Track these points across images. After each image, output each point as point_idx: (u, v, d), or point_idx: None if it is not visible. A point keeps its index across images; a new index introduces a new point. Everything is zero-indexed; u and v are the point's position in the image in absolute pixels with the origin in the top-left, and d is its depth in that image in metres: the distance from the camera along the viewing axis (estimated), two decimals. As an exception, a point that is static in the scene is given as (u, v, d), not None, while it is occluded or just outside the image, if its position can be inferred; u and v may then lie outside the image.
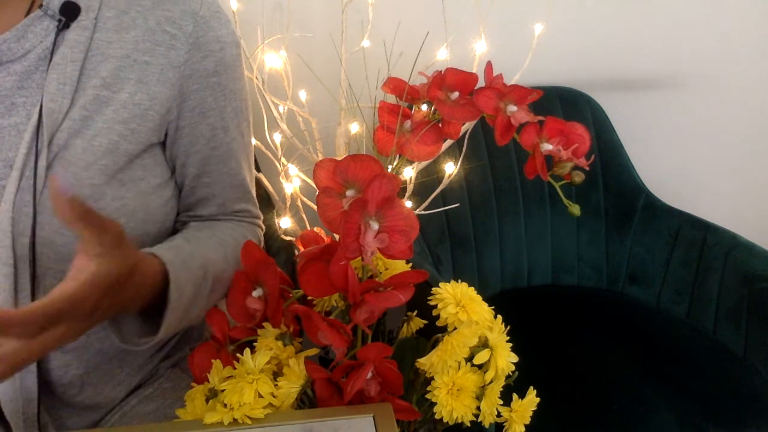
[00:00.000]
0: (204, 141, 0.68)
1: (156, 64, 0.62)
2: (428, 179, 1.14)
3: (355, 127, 1.03)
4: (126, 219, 0.62)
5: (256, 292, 0.58)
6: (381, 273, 0.62)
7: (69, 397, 0.67)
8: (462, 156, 1.10)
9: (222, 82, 0.67)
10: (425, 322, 0.65)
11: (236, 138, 0.71)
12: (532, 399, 0.60)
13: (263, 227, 0.79)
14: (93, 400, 0.69)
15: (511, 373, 0.59)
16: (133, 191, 0.62)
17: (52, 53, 0.58)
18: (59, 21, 0.58)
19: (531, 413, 0.60)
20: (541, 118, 0.59)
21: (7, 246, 0.56)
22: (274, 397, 0.53)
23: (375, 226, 0.50)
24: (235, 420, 0.50)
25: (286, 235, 1.01)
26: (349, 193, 0.53)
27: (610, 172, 1.43)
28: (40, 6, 0.59)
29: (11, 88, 0.58)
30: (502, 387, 0.59)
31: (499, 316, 0.61)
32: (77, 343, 0.65)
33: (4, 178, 0.57)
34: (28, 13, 0.59)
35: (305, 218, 1.09)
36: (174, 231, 0.71)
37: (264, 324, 0.58)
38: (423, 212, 1.07)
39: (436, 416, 0.56)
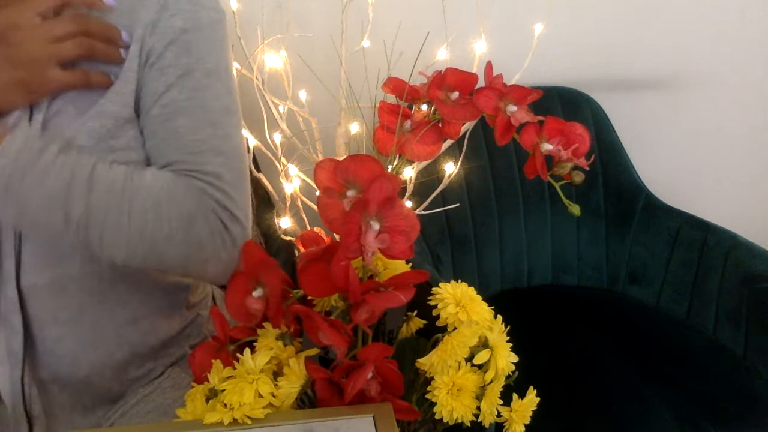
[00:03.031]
0: (155, 98, 0.64)
1: (131, 27, 0.63)
2: (428, 179, 1.14)
3: (355, 127, 1.03)
4: None
5: (257, 293, 0.58)
6: (381, 273, 0.62)
7: (62, 369, 0.68)
8: (462, 156, 1.10)
9: (190, 40, 0.64)
10: (425, 322, 0.65)
11: (195, 97, 0.65)
12: (532, 399, 0.60)
13: (227, 200, 0.66)
14: (86, 375, 0.69)
15: (511, 373, 0.59)
16: (122, 158, 0.63)
17: None
18: None
19: (531, 413, 0.61)
20: (541, 118, 0.59)
21: None
22: (274, 397, 0.53)
23: (376, 226, 0.50)
24: (235, 420, 0.50)
25: (286, 235, 1.01)
26: (350, 193, 0.53)
27: (610, 172, 1.43)
28: None
29: None
30: (502, 387, 0.59)
31: (499, 316, 0.61)
32: (70, 315, 0.66)
33: None
34: None
35: (305, 218, 1.09)
36: None
37: (264, 324, 0.58)
38: (423, 212, 1.07)
39: (436, 416, 0.56)
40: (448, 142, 1.00)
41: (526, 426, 0.60)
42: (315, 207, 0.64)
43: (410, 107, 0.64)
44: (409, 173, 1.00)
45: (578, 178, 0.59)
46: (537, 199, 1.41)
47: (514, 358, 0.59)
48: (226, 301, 0.60)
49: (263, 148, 1.07)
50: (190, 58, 0.65)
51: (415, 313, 0.66)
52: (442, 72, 0.61)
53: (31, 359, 0.66)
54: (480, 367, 0.57)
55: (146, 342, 0.73)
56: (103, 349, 0.69)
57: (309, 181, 1.02)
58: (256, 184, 1.05)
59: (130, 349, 0.72)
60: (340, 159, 0.54)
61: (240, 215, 0.66)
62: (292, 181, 1.02)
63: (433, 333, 0.59)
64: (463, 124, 0.69)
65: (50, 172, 0.56)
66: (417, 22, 1.15)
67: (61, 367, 0.68)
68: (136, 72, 0.64)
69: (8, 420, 0.67)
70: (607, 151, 1.43)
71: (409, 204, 1.05)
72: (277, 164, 1.05)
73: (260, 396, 0.52)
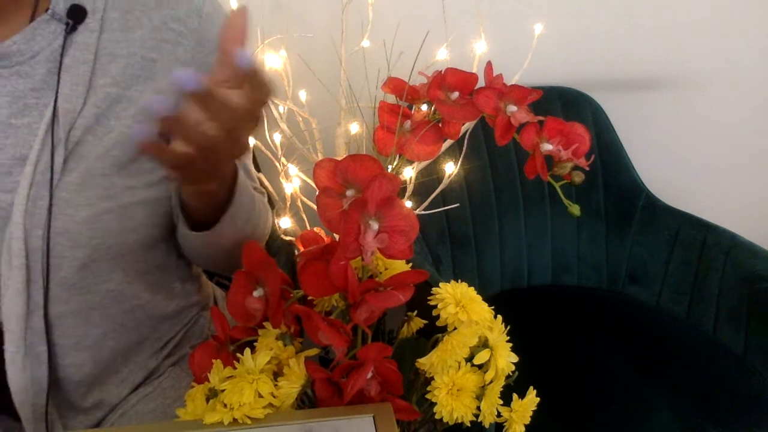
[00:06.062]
0: None
1: (163, 61, 0.63)
2: (428, 179, 1.14)
3: (355, 127, 1.04)
4: (136, 208, 0.63)
5: (257, 293, 0.58)
6: (381, 273, 0.62)
7: (78, 395, 0.68)
8: (462, 156, 1.10)
9: None
10: (425, 322, 0.65)
11: None
12: (532, 399, 0.60)
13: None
14: (98, 398, 0.70)
15: (511, 373, 0.59)
16: (142, 182, 0.64)
17: (62, 55, 0.59)
18: (67, 24, 0.60)
19: (531, 413, 0.60)
20: (541, 118, 0.59)
21: (19, 238, 0.58)
22: (274, 397, 0.53)
23: (375, 226, 0.50)
24: (235, 420, 0.50)
25: (286, 235, 1.01)
26: (349, 193, 0.53)
27: (610, 172, 1.43)
28: (47, 10, 0.60)
29: (23, 90, 0.59)
30: (502, 387, 0.59)
31: (499, 316, 0.61)
32: (92, 342, 0.66)
33: (18, 174, 0.58)
34: (32, 18, 0.60)
35: (305, 218, 1.10)
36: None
37: (264, 324, 0.58)
38: (423, 212, 1.07)
39: (436, 416, 0.56)
40: (448, 142, 1.00)
41: (526, 426, 0.60)
42: (315, 207, 0.64)
43: (410, 107, 0.64)
44: (409, 173, 1.00)
45: (578, 178, 0.59)
46: (537, 199, 1.41)
47: (514, 358, 0.59)
48: (228, 300, 0.60)
49: (263, 148, 1.07)
50: None
51: (415, 313, 0.66)
52: (442, 72, 0.61)
53: (54, 386, 0.66)
54: (480, 367, 0.57)
55: (153, 358, 0.75)
56: (113, 368, 0.70)
57: (309, 181, 1.02)
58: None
59: (136, 364, 0.73)
60: (340, 159, 0.54)
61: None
62: (292, 181, 1.02)
63: (433, 333, 0.59)
64: (463, 124, 0.69)
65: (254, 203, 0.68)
66: (417, 22, 1.15)
67: (76, 394, 0.68)
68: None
69: None
70: (607, 151, 1.43)
71: (409, 204, 1.05)
72: (277, 164, 1.05)
73: (260, 396, 0.52)
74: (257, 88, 0.46)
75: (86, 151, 0.60)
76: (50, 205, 0.58)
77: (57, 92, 0.59)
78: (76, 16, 0.60)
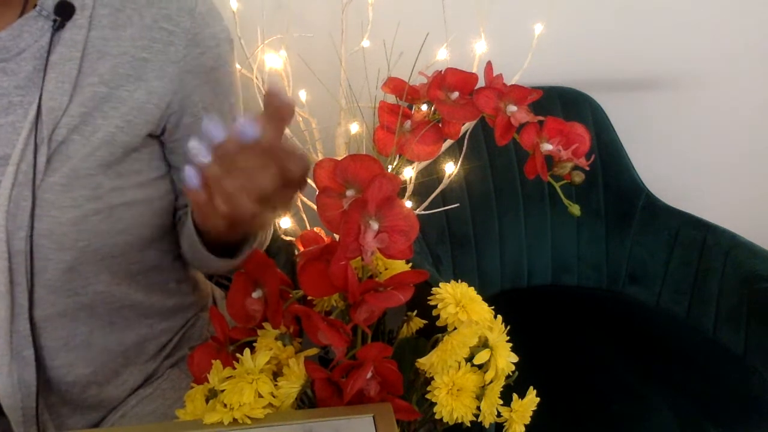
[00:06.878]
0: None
1: (154, 60, 0.62)
2: (428, 179, 1.14)
3: (355, 127, 1.04)
4: (125, 209, 0.63)
5: (256, 294, 0.58)
6: (381, 273, 0.62)
7: (72, 395, 0.67)
8: (462, 156, 1.10)
9: (219, 77, 0.67)
10: (425, 322, 0.65)
11: None
12: (532, 399, 0.60)
13: None
14: (96, 399, 0.69)
15: (511, 373, 0.59)
16: (131, 182, 0.63)
17: (48, 52, 0.58)
18: (54, 21, 0.59)
19: (531, 413, 0.60)
20: (541, 118, 0.59)
21: (1, 240, 0.57)
22: (274, 397, 0.53)
23: (375, 226, 0.50)
24: (235, 420, 0.50)
25: (286, 235, 1.01)
26: (349, 193, 0.53)
27: (610, 172, 1.43)
28: (34, 6, 0.59)
29: (8, 88, 0.58)
30: (502, 387, 0.58)
31: (499, 316, 0.61)
32: (80, 341, 0.66)
33: (0, 174, 0.57)
34: (21, 14, 0.60)
35: (305, 218, 1.10)
36: (174, 224, 0.72)
37: (264, 324, 0.58)
38: (423, 212, 1.07)
39: (436, 416, 0.56)
40: (448, 142, 1.00)
41: (526, 426, 0.60)
42: (315, 207, 0.64)
43: (410, 107, 0.64)
44: (409, 173, 1.00)
45: (578, 178, 0.58)
46: (537, 199, 1.41)
47: (514, 358, 0.59)
48: (227, 301, 0.60)
49: (263, 148, 1.07)
50: (223, 94, 0.69)
51: (415, 313, 0.66)
52: (442, 72, 0.61)
53: (44, 387, 0.65)
54: (480, 367, 0.57)
55: (153, 360, 0.74)
56: (110, 369, 0.70)
57: (309, 180, 1.02)
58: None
59: (136, 367, 0.72)
60: (340, 159, 0.53)
61: None
62: (292, 181, 1.02)
63: (433, 333, 0.59)
64: (463, 124, 0.69)
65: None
66: (417, 22, 1.15)
67: (71, 394, 0.67)
68: (162, 109, 0.63)
69: None
70: (607, 151, 1.43)
71: (409, 204, 1.05)
72: (277, 164, 1.05)
73: (260, 396, 0.51)
74: (287, 163, 0.47)
75: (72, 150, 0.59)
76: (33, 206, 0.57)
77: (42, 90, 0.57)
78: (64, 12, 0.59)
